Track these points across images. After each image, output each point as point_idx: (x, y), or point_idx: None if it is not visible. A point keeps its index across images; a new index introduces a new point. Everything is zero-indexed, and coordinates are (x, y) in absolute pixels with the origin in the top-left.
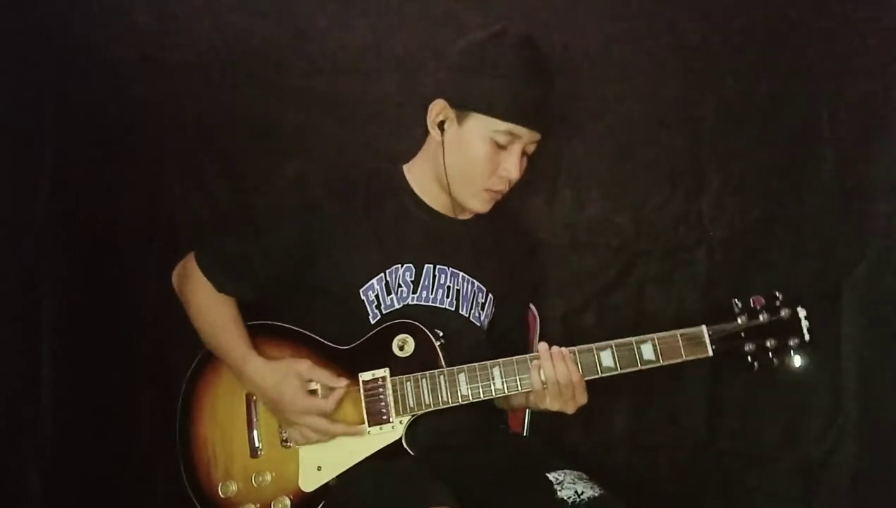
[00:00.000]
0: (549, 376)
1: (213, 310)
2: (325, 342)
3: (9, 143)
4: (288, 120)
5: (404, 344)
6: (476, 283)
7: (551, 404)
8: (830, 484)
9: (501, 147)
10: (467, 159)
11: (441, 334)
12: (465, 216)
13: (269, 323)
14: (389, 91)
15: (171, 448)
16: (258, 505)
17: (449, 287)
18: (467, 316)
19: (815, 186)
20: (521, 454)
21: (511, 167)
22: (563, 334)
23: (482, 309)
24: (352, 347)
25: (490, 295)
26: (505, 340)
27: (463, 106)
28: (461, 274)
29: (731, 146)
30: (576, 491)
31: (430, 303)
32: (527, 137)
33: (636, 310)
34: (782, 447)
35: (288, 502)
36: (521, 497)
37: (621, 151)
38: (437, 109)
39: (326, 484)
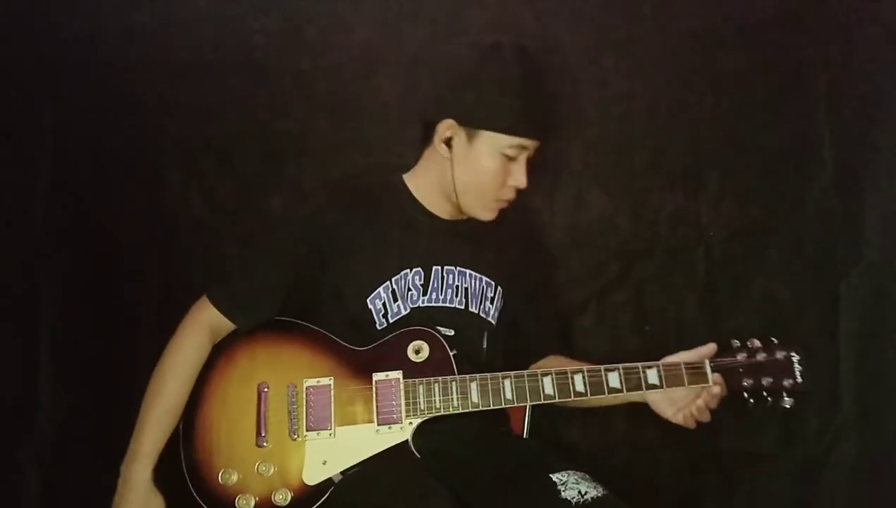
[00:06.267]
0: (710, 403)
1: (181, 381)
2: (343, 343)
3: (7, 143)
4: (288, 120)
5: (420, 350)
6: (484, 279)
7: (687, 420)
8: (830, 484)
9: (511, 159)
10: (478, 174)
11: (455, 351)
12: (468, 215)
13: (291, 320)
14: (390, 92)
15: (169, 450)
16: (257, 498)
17: (458, 286)
18: (477, 312)
19: (813, 186)
20: (523, 455)
21: (521, 177)
22: (563, 333)
23: (492, 303)
24: (368, 349)
25: (499, 288)
26: (516, 332)
27: (472, 124)
28: (468, 271)
29: (730, 146)
30: (579, 492)
31: (439, 304)
32: (532, 147)
33: (636, 310)
34: (782, 446)
35: (289, 494)
36: (524, 498)
37: (621, 151)
38: (445, 128)
39: (329, 479)
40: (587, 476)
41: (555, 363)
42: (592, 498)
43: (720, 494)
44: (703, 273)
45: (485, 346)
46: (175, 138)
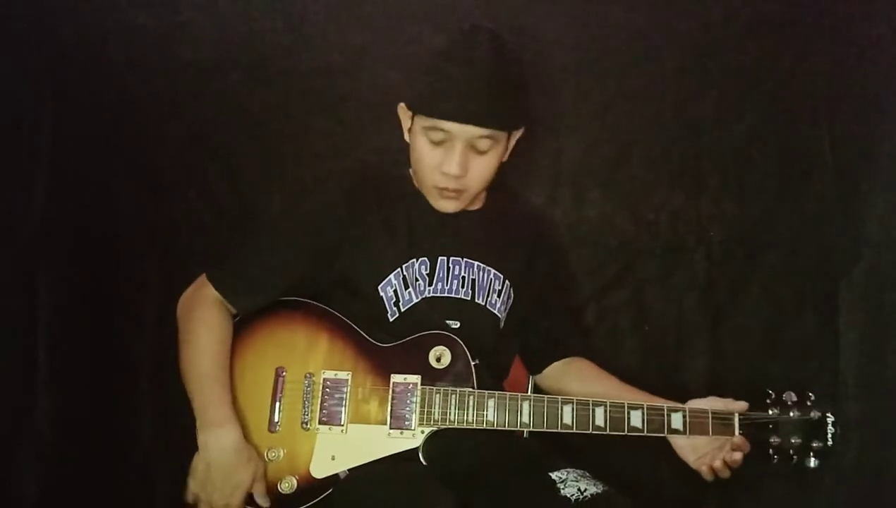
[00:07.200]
0: (733, 465)
1: (211, 343)
2: (366, 336)
3: (6, 144)
4: (288, 120)
5: (441, 356)
6: (492, 271)
7: (706, 472)
8: (830, 484)
9: (437, 144)
10: (415, 158)
11: (477, 361)
12: (475, 207)
13: (315, 303)
14: (390, 92)
15: (171, 450)
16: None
17: (464, 277)
18: (483, 304)
19: (813, 187)
20: (523, 454)
21: (450, 164)
22: (583, 333)
23: (499, 295)
24: (389, 346)
25: (507, 281)
26: (531, 329)
27: (406, 104)
28: (476, 263)
29: (730, 146)
30: (579, 489)
31: (445, 295)
32: (463, 133)
33: (636, 310)
34: None
35: (295, 482)
36: (524, 496)
37: (621, 151)
38: (401, 113)
39: (336, 475)
40: (587, 473)
41: (578, 371)
42: (592, 495)
43: (720, 494)
44: (703, 273)
45: (495, 341)
46: (175, 138)
